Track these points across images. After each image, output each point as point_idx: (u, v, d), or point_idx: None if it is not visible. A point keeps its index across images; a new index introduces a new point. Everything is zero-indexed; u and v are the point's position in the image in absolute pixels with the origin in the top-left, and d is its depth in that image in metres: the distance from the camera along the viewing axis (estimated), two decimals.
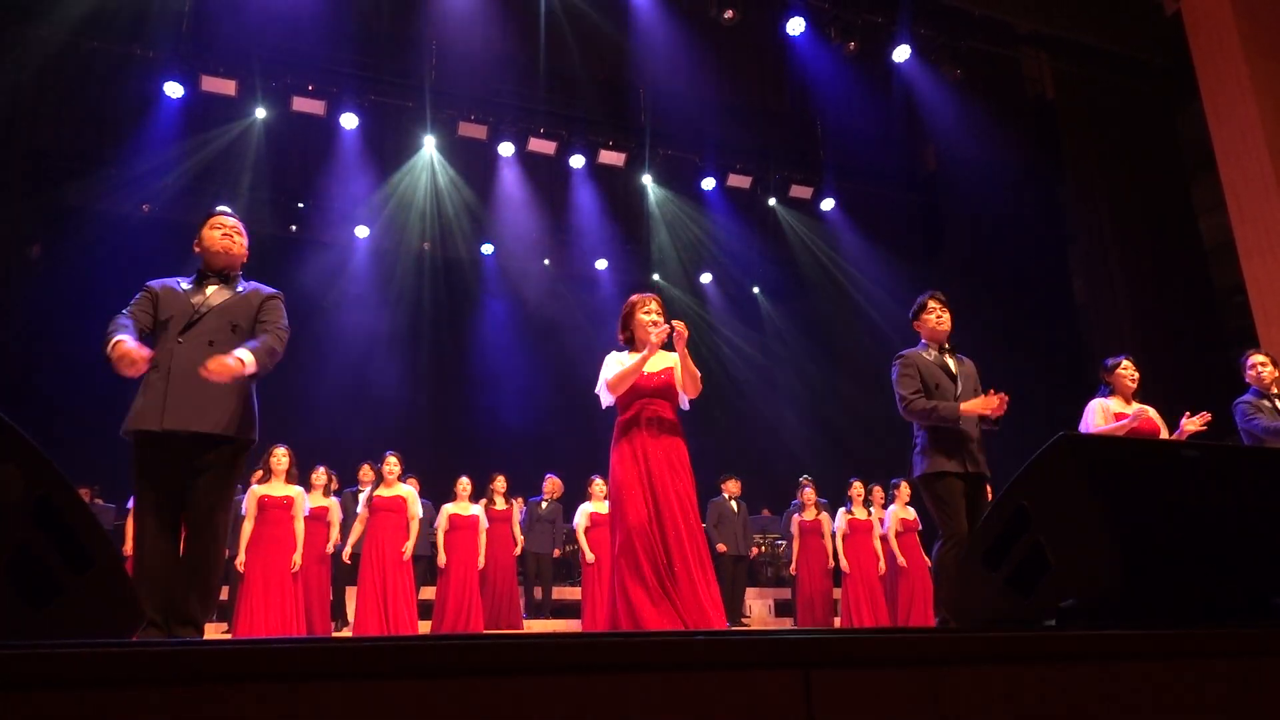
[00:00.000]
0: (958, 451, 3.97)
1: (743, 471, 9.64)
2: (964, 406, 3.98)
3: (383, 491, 7.09)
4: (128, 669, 1.08)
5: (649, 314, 3.92)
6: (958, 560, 3.87)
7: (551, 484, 9.33)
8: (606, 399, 3.92)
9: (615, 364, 3.90)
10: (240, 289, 3.33)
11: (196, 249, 3.35)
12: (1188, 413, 4.66)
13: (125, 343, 2.91)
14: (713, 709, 1.26)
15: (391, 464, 7.10)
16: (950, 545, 3.91)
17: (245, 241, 3.43)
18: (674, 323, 3.73)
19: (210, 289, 3.27)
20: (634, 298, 4.04)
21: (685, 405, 4.00)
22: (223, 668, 1.11)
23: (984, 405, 3.96)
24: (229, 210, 3.46)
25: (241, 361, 2.98)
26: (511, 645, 1.23)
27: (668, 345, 3.91)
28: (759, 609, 10.11)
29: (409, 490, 7.20)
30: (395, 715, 1.15)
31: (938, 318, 4.23)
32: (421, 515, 7.37)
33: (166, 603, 3.04)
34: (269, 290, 3.39)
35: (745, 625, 9.08)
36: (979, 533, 2.24)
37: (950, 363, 4.20)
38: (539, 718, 1.20)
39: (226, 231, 3.34)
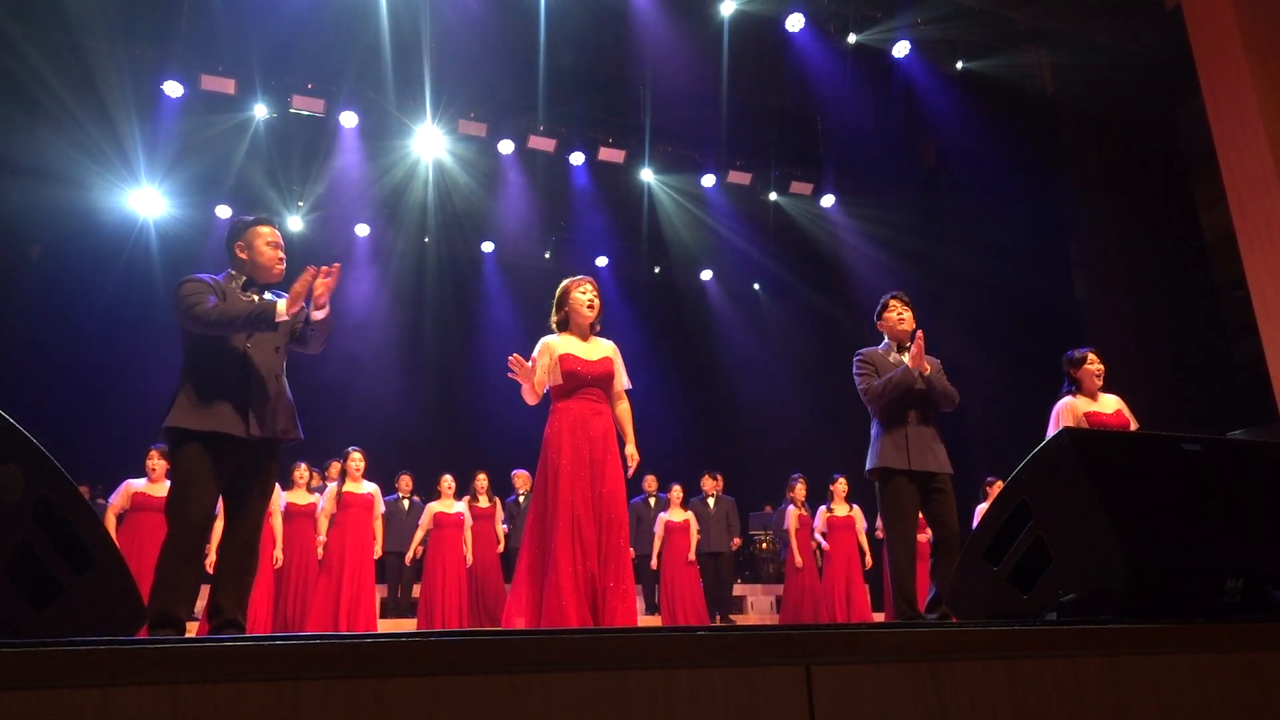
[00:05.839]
0: (905, 449, 4.02)
1: (742, 468, 9.59)
2: (906, 358, 4.10)
3: (352, 488, 6.95)
4: (126, 666, 1.08)
5: (585, 294, 3.94)
6: (906, 562, 3.97)
7: (521, 478, 9.11)
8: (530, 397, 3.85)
9: (542, 358, 3.84)
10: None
11: (242, 255, 3.28)
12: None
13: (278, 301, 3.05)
14: (714, 705, 1.26)
15: (356, 459, 6.97)
16: (896, 549, 3.98)
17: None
18: None
19: (259, 298, 3.25)
20: (568, 280, 4.02)
21: (627, 385, 3.98)
22: (224, 666, 1.11)
23: (917, 346, 4.07)
24: (274, 221, 3.41)
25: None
26: (512, 642, 1.23)
27: (605, 335, 3.99)
28: (761, 604, 10.11)
29: (374, 487, 7.12)
30: (394, 713, 1.15)
31: (898, 316, 4.34)
32: (384, 511, 7.33)
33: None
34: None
35: (731, 621, 9.06)
36: (980, 528, 2.25)
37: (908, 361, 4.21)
38: (539, 715, 1.19)
39: (280, 250, 3.32)
